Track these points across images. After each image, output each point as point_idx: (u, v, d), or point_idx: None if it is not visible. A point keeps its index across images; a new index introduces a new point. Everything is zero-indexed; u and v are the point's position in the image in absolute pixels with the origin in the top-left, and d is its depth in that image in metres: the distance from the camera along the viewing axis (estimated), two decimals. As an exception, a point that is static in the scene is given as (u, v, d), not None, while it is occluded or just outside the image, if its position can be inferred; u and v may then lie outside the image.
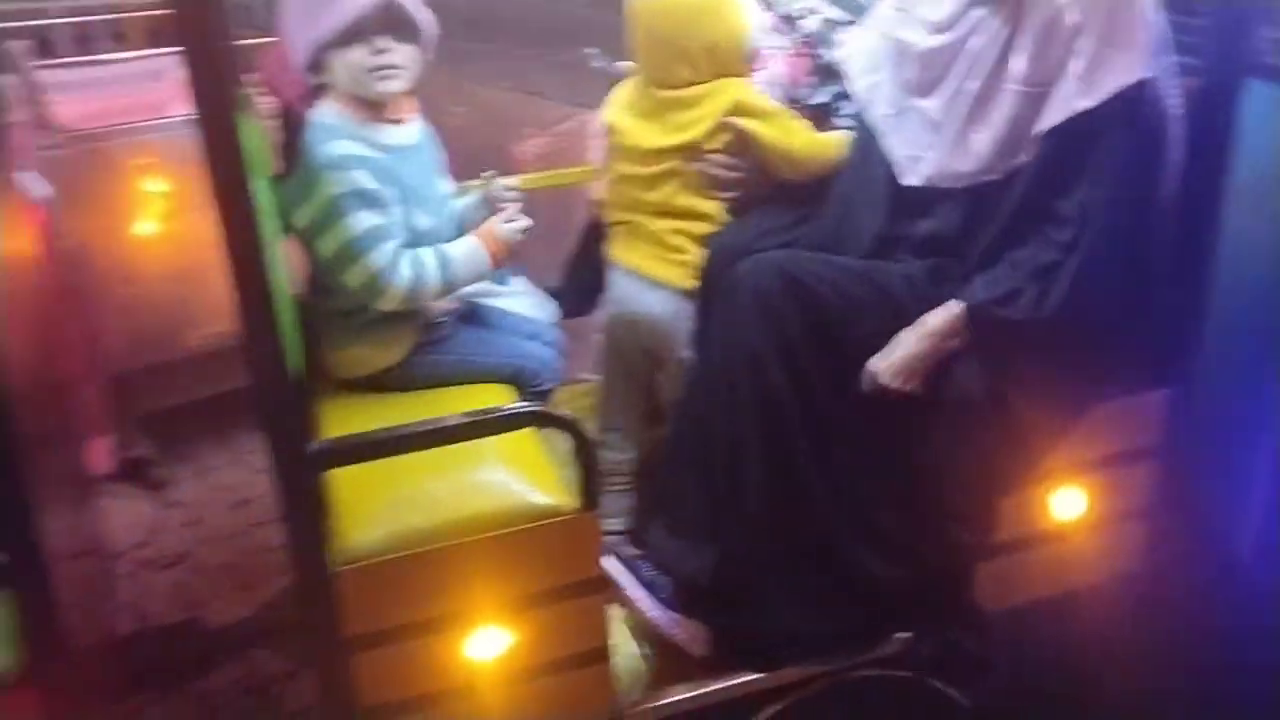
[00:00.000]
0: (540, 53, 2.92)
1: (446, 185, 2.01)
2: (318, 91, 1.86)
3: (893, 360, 1.72)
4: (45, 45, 3.88)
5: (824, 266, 1.78)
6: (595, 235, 2.28)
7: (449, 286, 1.85)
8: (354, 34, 1.74)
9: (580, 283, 2.31)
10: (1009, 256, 1.71)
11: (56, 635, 1.34)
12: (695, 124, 2.01)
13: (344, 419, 1.74)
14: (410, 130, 1.90)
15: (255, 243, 1.30)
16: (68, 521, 2.14)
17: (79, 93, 3.55)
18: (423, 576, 1.52)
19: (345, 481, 1.56)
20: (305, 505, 1.41)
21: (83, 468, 2.83)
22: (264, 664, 2.34)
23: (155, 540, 3.08)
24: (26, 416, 1.52)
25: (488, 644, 1.58)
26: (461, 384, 1.90)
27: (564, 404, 2.08)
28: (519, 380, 1.97)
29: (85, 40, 4.28)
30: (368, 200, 1.74)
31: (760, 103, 2.02)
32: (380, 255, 1.75)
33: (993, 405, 1.73)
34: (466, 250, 1.86)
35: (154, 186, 3.20)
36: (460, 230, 1.95)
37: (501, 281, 2.08)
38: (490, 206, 1.97)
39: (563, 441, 1.61)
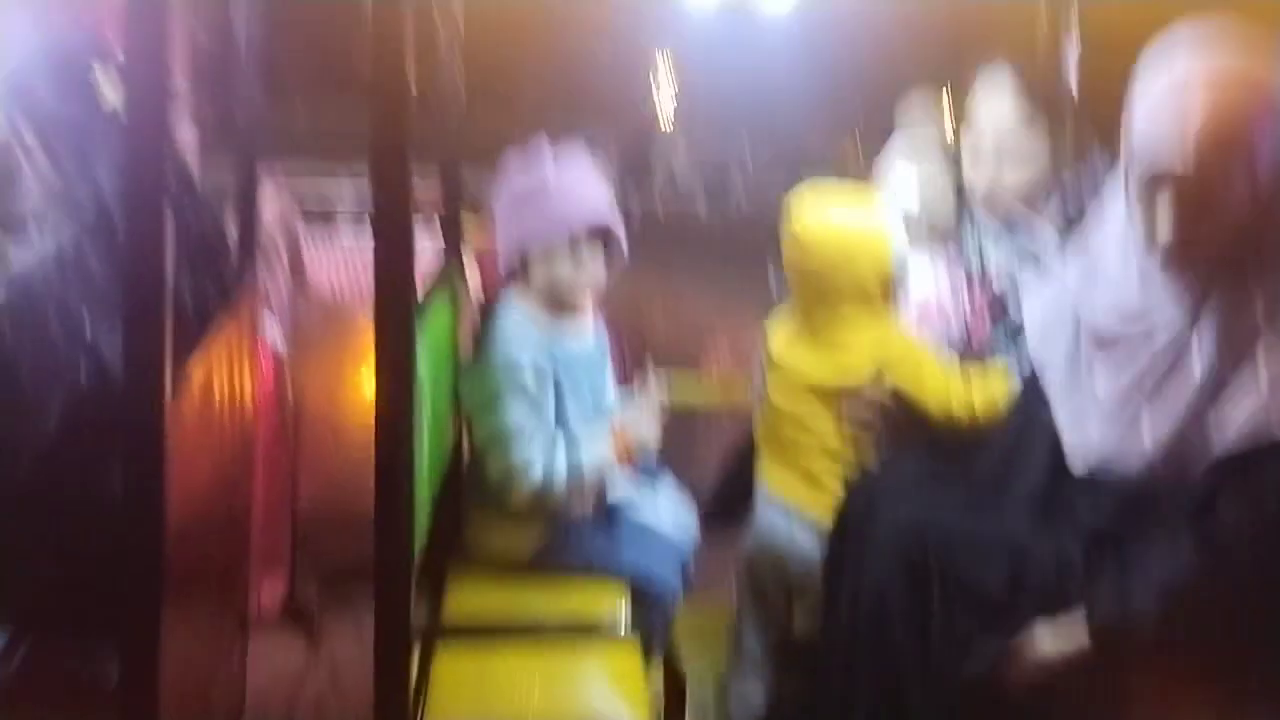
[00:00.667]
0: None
1: (611, 388, 2.04)
2: (511, 279, 1.97)
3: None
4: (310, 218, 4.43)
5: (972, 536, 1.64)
6: (745, 453, 2.24)
7: (575, 483, 1.86)
8: (562, 247, 1.87)
9: (726, 500, 2.26)
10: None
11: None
12: (853, 367, 1.97)
13: (470, 597, 1.76)
14: (585, 328, 1.98)
15: (405, 412, 1.36)
16: (219, 648, 2.24)
17: (336, 261, 4.01)
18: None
19: (444, 673, 1.55)
20: (395, 678, 1.39)
21: (251, 605, 2.98)
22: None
23: (298, 691, 3.15)
24: (207, 544, 1.64)
25: None
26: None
27: (693, 625, 2.01)
28: (638, 595, 1.95)
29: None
30: (528, 401, 1.81)
31: (911, 351, 1.96)
32: (522, 451, 1.80)
33: None
34: (599, 453, 1.89)
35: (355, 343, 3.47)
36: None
37: (649, 479, 2.07)
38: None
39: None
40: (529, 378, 1.83)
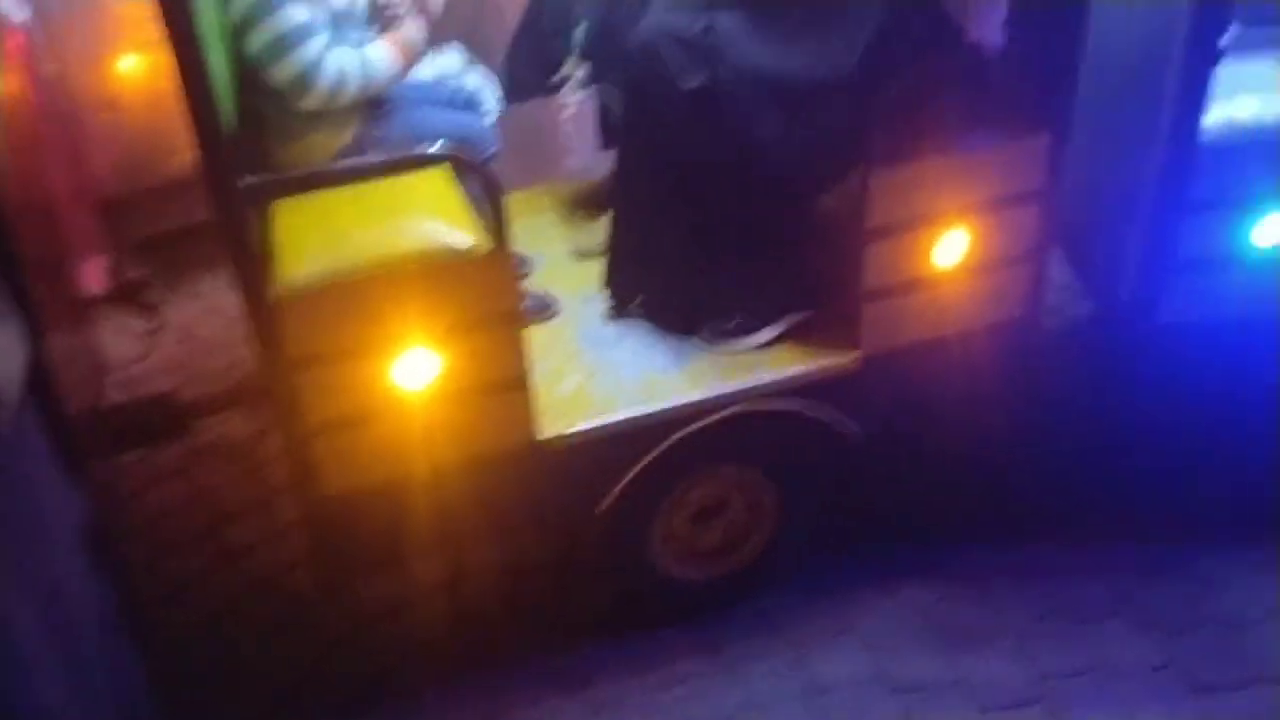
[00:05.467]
0: None
1: None
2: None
3: None
4: None
5: None
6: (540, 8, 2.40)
7: (365, 90, 1.97)
8: None
9: (528, 61, 2.44)
10: None
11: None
12: None
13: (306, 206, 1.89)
14: None
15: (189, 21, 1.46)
16: (66, 335, 2.38)
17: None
18: (354, 304, 1.73)
19: (286, 228, 1.76)
20: (240, 236, 1.61)
21: (78, 288, 3.06)
22: (237, 426, 2.61)
23: (149, 355, 3.33)
24: (22, 238, 1.71)
25: (417, 367, 1.80)
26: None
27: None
28: (462, 152, 2.02)
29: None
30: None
31: None
32: (307, 51, 1.87)
33: None
34: (382, 55, 1.99)
35: (135, 12, 3.30)
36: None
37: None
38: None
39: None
40: None
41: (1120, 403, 2.45)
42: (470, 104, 2.20)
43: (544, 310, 2.31)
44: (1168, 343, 2.31)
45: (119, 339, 3.36)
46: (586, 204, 2.61)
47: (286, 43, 1.87)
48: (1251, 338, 2.26)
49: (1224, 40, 2.02)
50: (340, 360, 1.75)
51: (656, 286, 2.22)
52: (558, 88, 2.44)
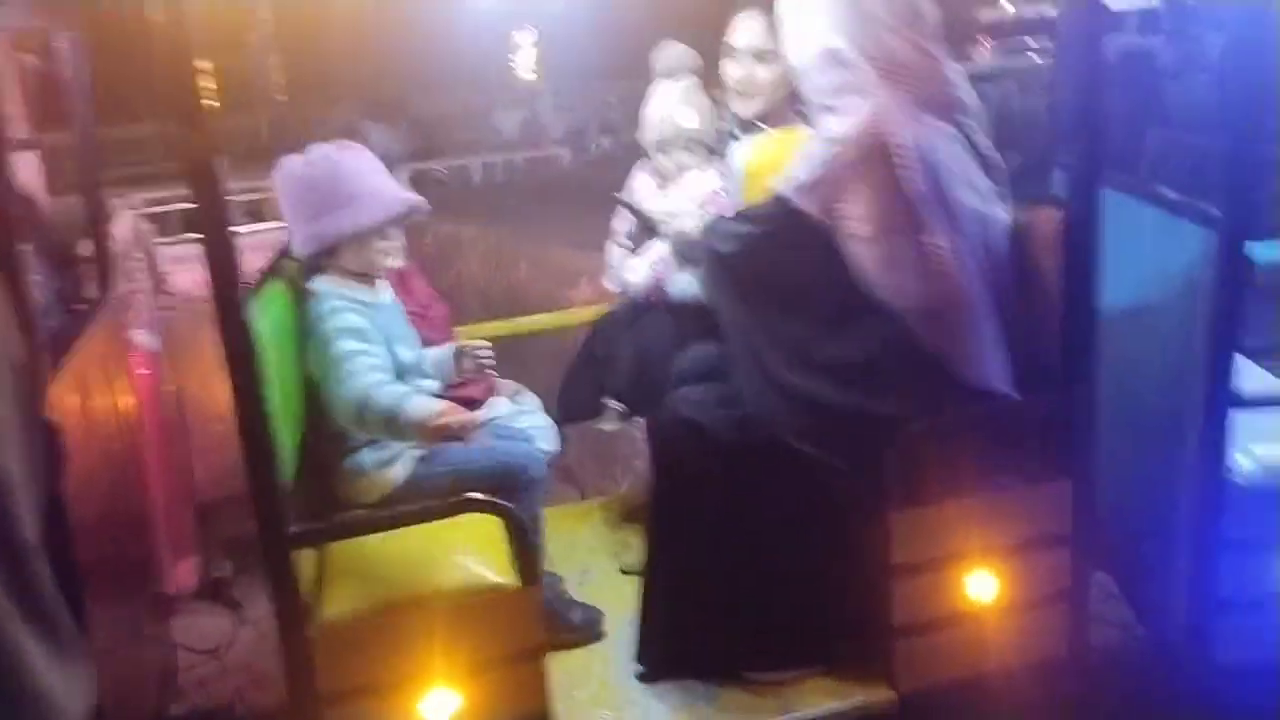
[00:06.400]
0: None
1: (414, 333, 2.39)
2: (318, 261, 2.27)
3: None
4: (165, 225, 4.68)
5: None
6: (591, 349, 2.71)
7: (389, 427, 2.08)
8: (374, 233, 2.20)
9: (578, 391, 2.72)
10: None
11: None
12: None
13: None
14: (384, 289, 2.32)
15: (251, 364, 1.70)
16: (141, 628, 2.54)
17: (192, 264, 4.24)
18: (384, 640, 1.83)
19: (336, 563, 1.91)
20: (284, 577, 1.76)
21: (168, 587, 3.27)
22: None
23: (225, 651, 3.47)
24: (112, 539, 1.88)
25: (440, 705, 1.86)
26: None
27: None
28: (508, 480, 2.21)
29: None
30: (355, 334, 2.13)
31: None
32: (364, 374, 2.08)
33: None
34: (422, 410, 2.07)
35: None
36: (435, 375, 2.34)
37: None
38: (462, 360, 2.35)
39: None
40: (353, 319, 2.12)
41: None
42: (517, 436, 2.37)
43: (591, 626, 2.37)
44: (1224, 684, 2.20)
45: (201, 631, 3.52)
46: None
47: (344, 370, 2.08)
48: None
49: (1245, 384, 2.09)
50: (364, 697, 1.83)
51: (692, 644, 2.23)
52: (601, 413, 2.66)
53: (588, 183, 3.51)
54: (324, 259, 2.22)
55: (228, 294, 1.69)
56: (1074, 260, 1.98)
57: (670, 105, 2.63)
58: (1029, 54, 15.38)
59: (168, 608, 3.21)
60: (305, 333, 2.17)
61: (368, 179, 2.20)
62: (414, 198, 2.26)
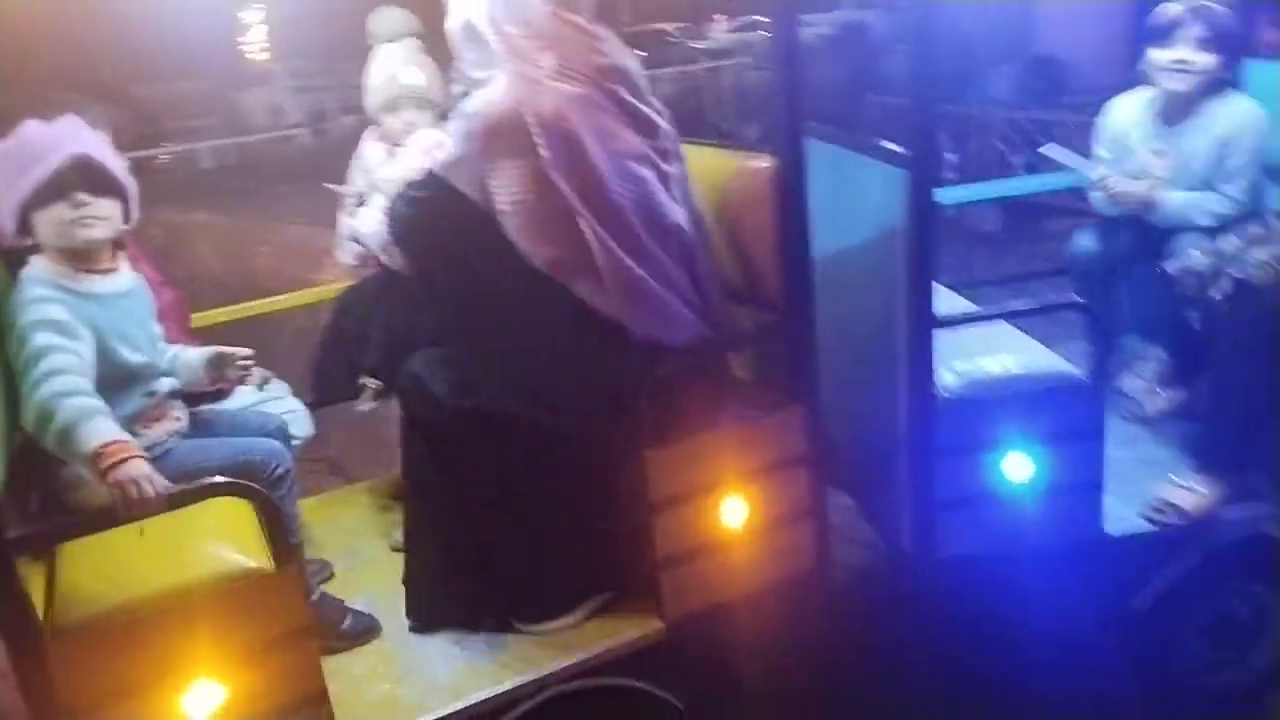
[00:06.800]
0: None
1: (157, 329, 2.21)
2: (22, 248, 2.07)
3: None
4: None
5: None
6: (340, 326, 2.67)
7: (65, 453, 1.82)
8: (54, 192, 1.98)
9: (330, 371, 2.67)
10: None
11: None
12: None
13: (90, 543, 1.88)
14: (119, 280, 2.12)
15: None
16: None
17: None
18: (132, 640, 1.73)
19: (70, 566, 1.78)
20: (7, 587, 1.62)
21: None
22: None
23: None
24: None
25: (204, 698, 1.78)
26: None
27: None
28: (253, 475, 2.09)
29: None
30: (53, 326, 1.90)
31: None
32: (53, 381, 1.82)
33: None
34: (93, 439, 1.78)
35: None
36: (182, 377, 2.20)
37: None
38: (222, 368, 2.21)
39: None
40: (53, 310, 1.90)
41: (920, 634, 2.58)
42: (260, 426, 2.29)
43: (368, 631, 2.31)
44: (953, 575, 2.48)
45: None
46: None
47: (32, 384, 1.84)
48: (1024, 564, 2.45)
49: (942, 307, 2.34)
50: (115, 702, 1.72)
51: (458, 593, 2.27)
52: (358, 394, 2.61)
53: (330, 162, 3.39)
54: (26, 240, 2.03)
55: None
56: (785, 202, 2.14)
57: (393, 65, 2.61)
58: (760, 31, 16.25)
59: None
60: (6, 326, 1.96)
61: (53, 133, 2.00)
62: (88, 146, 2.03)
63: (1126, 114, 2.93)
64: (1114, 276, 2.75)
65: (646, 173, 2.12)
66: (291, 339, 3.71)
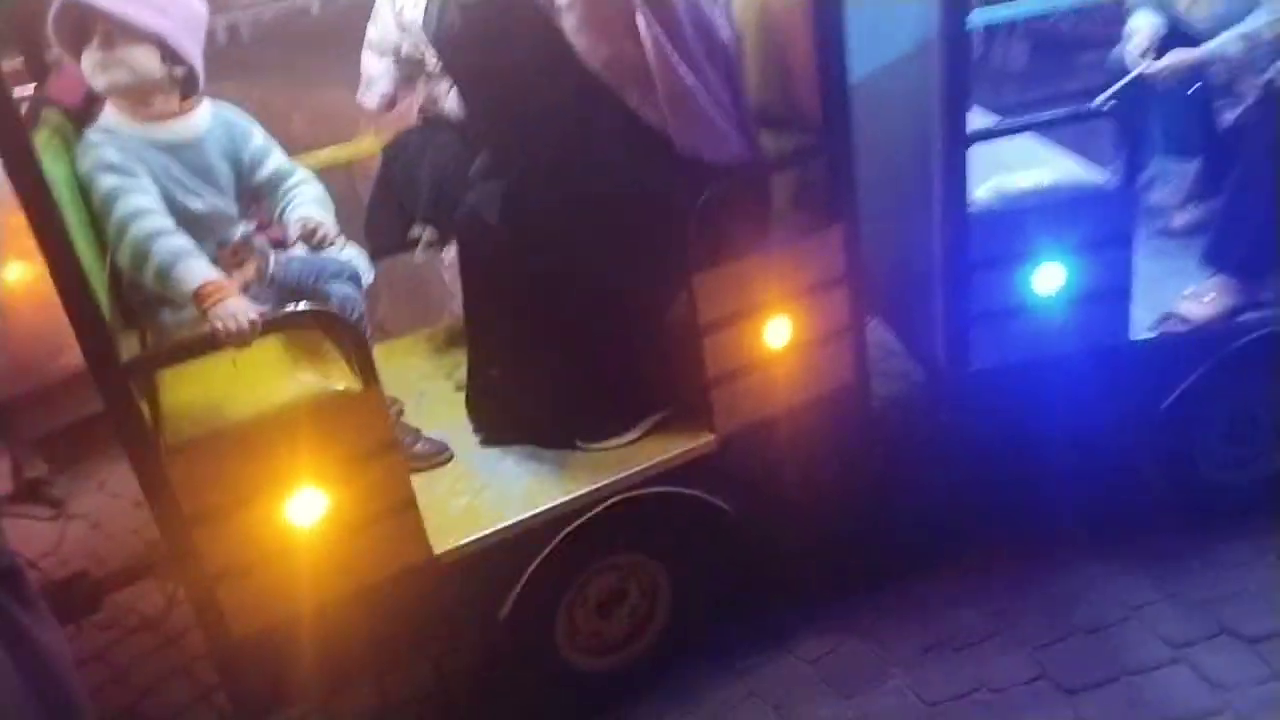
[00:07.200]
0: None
1: (229, 177, 2.22)
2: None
3: None
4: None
5: None
6: (388, 178, 2.75)
7: (167, 290, 1.95)
8: (81, 35, 2.02)
9: (383, 224, 2.77)
10: None
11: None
12: None
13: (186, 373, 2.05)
14: (187, 125, 2.15)
15: (50, 217, 1.67)
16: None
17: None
18: (240, 455, 1.91)
19: (171, 395, 1.95)
20: (126, 409, 1.79)
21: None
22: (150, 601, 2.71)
23: (58, 550, 3.40)
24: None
25: (308, 505, 1.97)
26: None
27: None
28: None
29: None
30: (112, 169, 1.98)
31: None
32: (142, 221, 1.93)
33: None
34: (191, 277, 1.91)
35: (13, 223, 3.49)
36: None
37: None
38: (310, 235, 2.18)
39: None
40: (108, 153, 1.97)
41: (958, 445, 2.74)
42: (337, 272, 2.39)
43: (440, 453, 2.50)
44: (987, 387, 2.62)
45: (26, 535, 3.42)
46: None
47: (110, 209, 1.96)
48: (1053, 372, 2.58)
49: (974, 127, 2.40)
50: (233, 509, 1.92)
51: (522, 413, 2.44)
52: (413, 245, 2.73)
53: (340, 30, 3.41)
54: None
55: (16, 145, 1.64)
56: (822, 17, 2.20)
57: None
58: None
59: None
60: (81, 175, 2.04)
61: None
62: None
63: None
64: (1145, 89, 2.76)
65: None
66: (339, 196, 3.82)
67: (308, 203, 2.21)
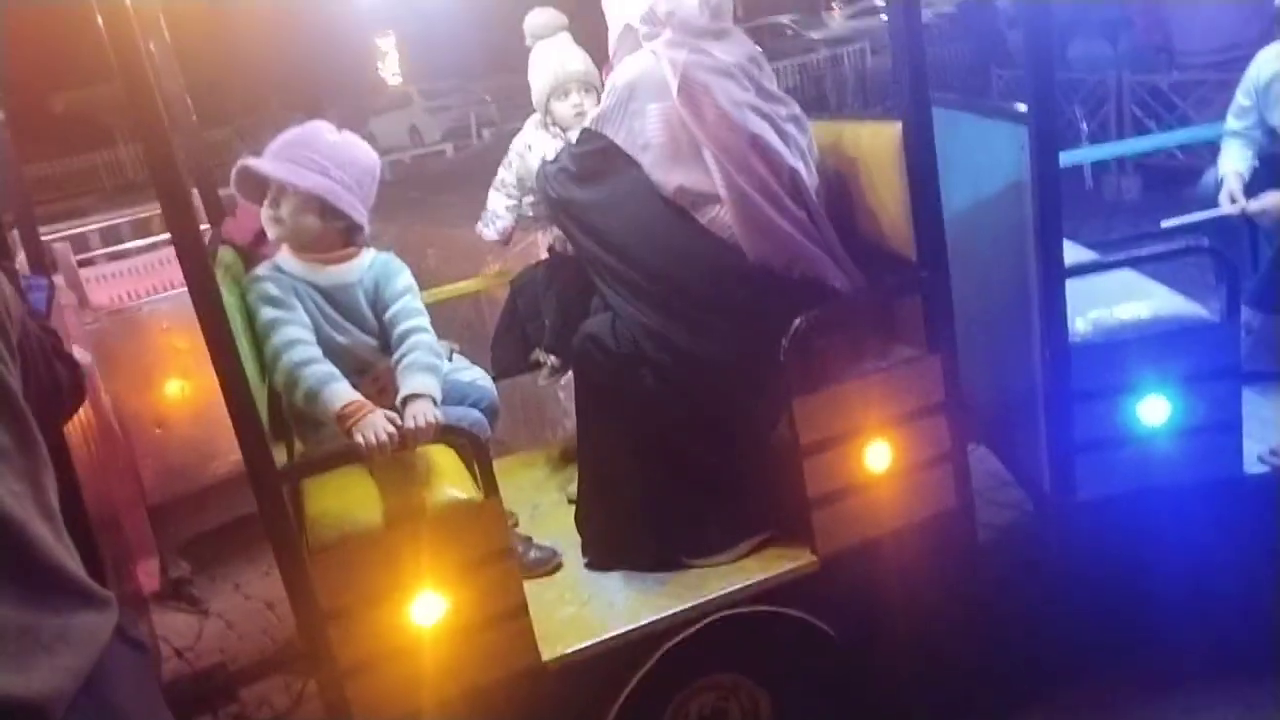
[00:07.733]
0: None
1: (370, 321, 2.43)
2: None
3: None
4: (81, 243, 4.82)
5: None
6: (514, 307, 3.01)
7: (317, 411, 2.18)
8: (261, 194, 2.35)
9: (507, 348, 3.02)
10: None
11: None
12: None
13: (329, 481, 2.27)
14: (346, 270, 2.40)
15: (224, 341, 1.92)
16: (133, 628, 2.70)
17: (111, 278, 4.41)
18: (372, 558, 2.08)
19: (314, 500, 2.15)
20: (278, 510, 1.99)
21: (139, 587, 3.42)
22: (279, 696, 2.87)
23: (196, 645, 3.64)
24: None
25: (430, 607, 2.12)
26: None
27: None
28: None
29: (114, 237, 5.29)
30: (271, 302, 2.26)
31: None
32: (293, 351, 2.19)
33: None
34: (336, 399, 2.15)
35: (176, 345, 3.91)
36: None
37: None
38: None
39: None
40: (269, 288, 2.25)
41: (1066, 577, 2.71)
42: (463, 396, 2.58)
43: (550, 560, 2.65)
44: (1095, 518, 2.61)
45: (169, 629, 3.68)
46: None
47: (267, 338, 2.23)
48: (1164, 504, 2.56)
49: (1070, 261, 2.49)
50: (364, 609, 2.08)
51: (628, 535, 2.57)
52: (533, 368, 2.96)
53: (472, 173, 3.75)
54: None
55: (201, 280, 1.91)
56: (915, 157, 2.35)
57: (556, 55, 2.91)
58: (880, 15, 16.14)
59: (143, 608, 3.37)
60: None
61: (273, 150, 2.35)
62: (265, 166, 2.31)
63: (1270, 64, 2.97)
64: (1243, 220, 2.80)
65: (764, 124, 2.42)
66: (460, 325, 4.11)
67: (414, 368, 2.28)
